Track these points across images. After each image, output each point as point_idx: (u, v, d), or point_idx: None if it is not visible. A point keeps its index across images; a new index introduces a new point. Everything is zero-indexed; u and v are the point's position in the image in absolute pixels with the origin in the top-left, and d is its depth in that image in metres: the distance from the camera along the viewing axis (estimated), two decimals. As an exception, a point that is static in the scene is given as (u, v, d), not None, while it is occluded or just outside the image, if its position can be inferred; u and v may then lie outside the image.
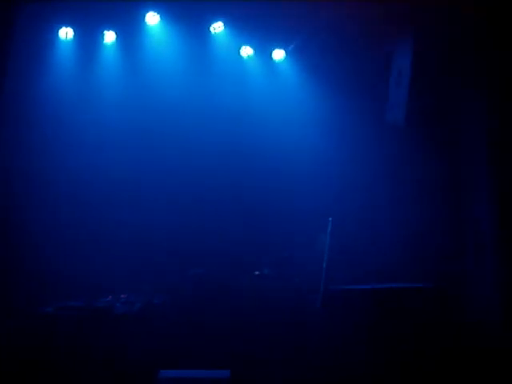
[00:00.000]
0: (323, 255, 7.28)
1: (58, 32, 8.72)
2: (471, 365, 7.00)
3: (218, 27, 8.94)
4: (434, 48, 8.02)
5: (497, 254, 8.02)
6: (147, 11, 8.69)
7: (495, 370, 6.76)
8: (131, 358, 6.91)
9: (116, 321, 7.14)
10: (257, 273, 8.02)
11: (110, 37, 8.93)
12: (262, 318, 7.48)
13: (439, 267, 8.14)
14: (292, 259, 7.77)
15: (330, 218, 7.45)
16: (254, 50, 9.30)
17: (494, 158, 8.11)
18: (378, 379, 6.85)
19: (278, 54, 9.39)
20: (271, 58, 9.40)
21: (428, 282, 7.66)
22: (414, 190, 8.60)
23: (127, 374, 6.77)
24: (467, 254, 8.38)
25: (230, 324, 7.48)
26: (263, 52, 9.34)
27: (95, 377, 6.74)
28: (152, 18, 8.75)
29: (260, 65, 9.37)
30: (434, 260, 8.22)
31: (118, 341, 7.01)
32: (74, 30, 8.75)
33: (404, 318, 7.26)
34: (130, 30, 8.86)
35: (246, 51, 9.28)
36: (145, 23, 8.79)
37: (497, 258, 8.01)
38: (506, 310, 7.64)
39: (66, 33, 8.74)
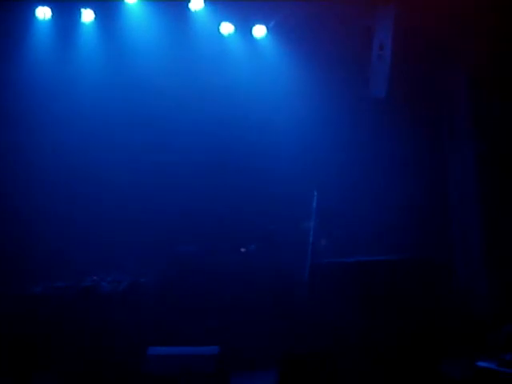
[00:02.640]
0: (309, 229, 7.30)
1: (35, 12, 8.55)
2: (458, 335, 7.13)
3: (197, 4, 8.84)
4: (416, 21, 8.01)
5: (481, 227, 8.13)
6: (126, -12, 8.58)
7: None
8: (120, 335, 6.91)
9: (102, 300, 7.14)
10: (243, 249, 8.02)
11: (88, 16, 8.79)
12: (250, 294, 7.51)
13: (425, 240, 8.21)
14: (278, 232, 7.78)
15: (315, 192, 7.46)
16: (235, 26, 9.20)
17: (476, 133, 8.20)
18: (366, 350, 6.91)
19: (259, 31, 9.30)
20: (252, 35, 9.32)
21: (412, 254, 7.71)
22: (400, 163, 8.64)
23: (116, 352, 6.78)
24: (453, 227, 8.47)
25: (217, 301, 7.50)
26: (244, 29, 9.25)
27: (83, 355, 6.74)
28: (131, -4, 8.65)
29: (241, 41, 9.28)
30: (420, 232, 8.28)
31: (106, 319, 7.01)
32: (52, 9, 8.59)
33: (390, 289, 7.30)
34: (109, 9, 8.71)
35: (227, 28, 9.18)
36: (123, 1, 8.66)
37: (481, 230, 8.13)
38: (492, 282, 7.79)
39: (43, 13, 8.60)
